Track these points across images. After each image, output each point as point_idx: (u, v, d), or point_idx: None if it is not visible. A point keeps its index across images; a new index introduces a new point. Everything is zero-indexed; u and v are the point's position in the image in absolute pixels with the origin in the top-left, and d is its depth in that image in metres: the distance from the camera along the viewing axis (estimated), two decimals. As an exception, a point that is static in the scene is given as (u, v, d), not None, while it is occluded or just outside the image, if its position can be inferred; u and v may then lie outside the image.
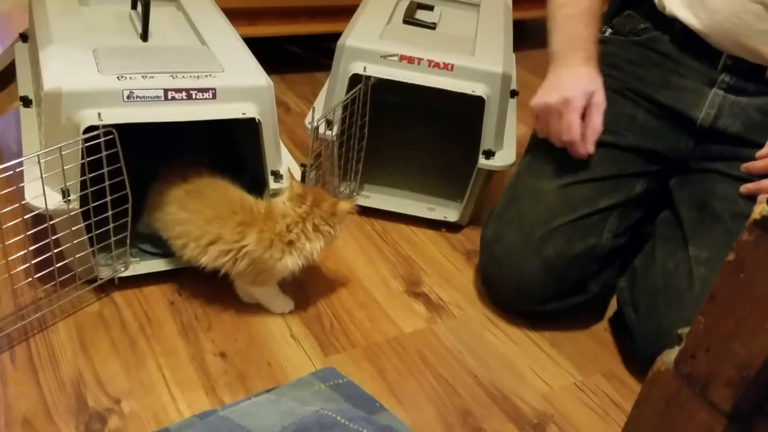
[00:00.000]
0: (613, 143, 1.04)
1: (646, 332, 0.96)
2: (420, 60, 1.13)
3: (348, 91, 1.14)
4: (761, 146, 0.93)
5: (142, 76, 0.92)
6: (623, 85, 1.04)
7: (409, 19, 1.28)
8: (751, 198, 0.94)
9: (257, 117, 0.97)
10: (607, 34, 1.12)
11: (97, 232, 0.94)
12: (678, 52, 0.99)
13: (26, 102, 1.07)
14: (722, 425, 0.48)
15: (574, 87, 0.97)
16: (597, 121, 0.98)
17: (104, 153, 0.87)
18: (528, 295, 1.03)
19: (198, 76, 0.95)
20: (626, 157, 1.04)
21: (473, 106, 1.15)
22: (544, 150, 1.07)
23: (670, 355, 0.51)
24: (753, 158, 0.94)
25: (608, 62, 1.07)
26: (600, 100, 0.98)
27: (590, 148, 0.99)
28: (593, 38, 1.01)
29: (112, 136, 0.87)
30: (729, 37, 0.95)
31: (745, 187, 0.94)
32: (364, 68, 1.14)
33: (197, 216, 0.93)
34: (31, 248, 0.89)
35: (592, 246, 1.01)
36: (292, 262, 0.94)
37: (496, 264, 1.05)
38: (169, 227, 0.96)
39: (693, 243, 0.95)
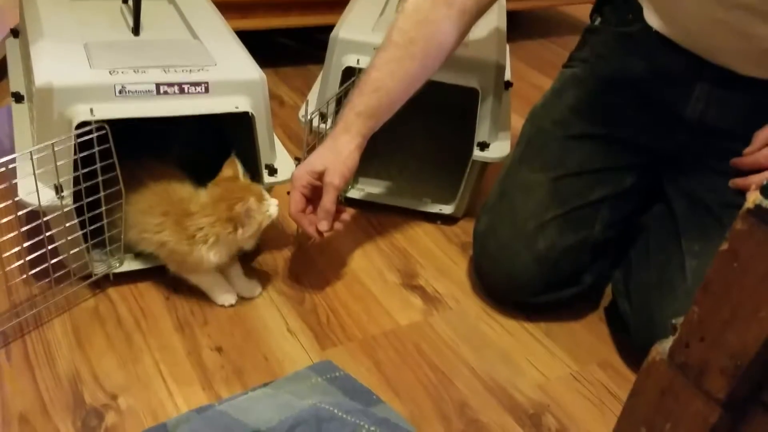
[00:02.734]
0: (603, 135, 1.04)
1: (640, 324, 0.96)
2: (413, 52, 1.13)
3: (342, 84, 1.14)
4: (749, 139, 0.93)
5: (134, 71, 0.92)
6: (612, 75, 1.04)
7: (402, 11, 1.27)
8: (741, 192, 0.94)
9: (250, 111, 0.96)
10: (596, 22, 1.11)
11: (91, 228, 0.94)
12: (664, 47, 0.99)
13: (18, 98, 1.06)
14: (717, 414, 0.48)
15: (304, 166, 0.97)
16: (326, 200, 0.95)
17: (97, 148, 0.87)
18: (520, 287, 1.03)
19: (190, 70, 0.95)
20: (616, 150, 1.03)
21: (467, 97, 1.15)
22: (535, 143, 1.08)
23: (664, 345, 0.51)
24: (741, 152, 0.94)
25: (598, 52, 1.07)
26: (331, 179, 0.95)
27: (321, 225, 0.97)
28: (360, 109, 0.97)
29: (104, 132, 0.86)
30: (704, 51, 0.94)
31: (734, 183, 0.94)
32: (358, 60, 1.13)
33: (133, 207, 0.95)
34: (25, 245, 0.88)
35: (584, 238, 1.01)
36: (203, 255, 0.92)
37: (489, 257, 1.05)
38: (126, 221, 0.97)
39: (685, 235, 0.95)
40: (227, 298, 1.00)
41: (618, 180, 1.04)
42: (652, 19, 0.98)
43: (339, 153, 0.96)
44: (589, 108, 1.05)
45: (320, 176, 0.96)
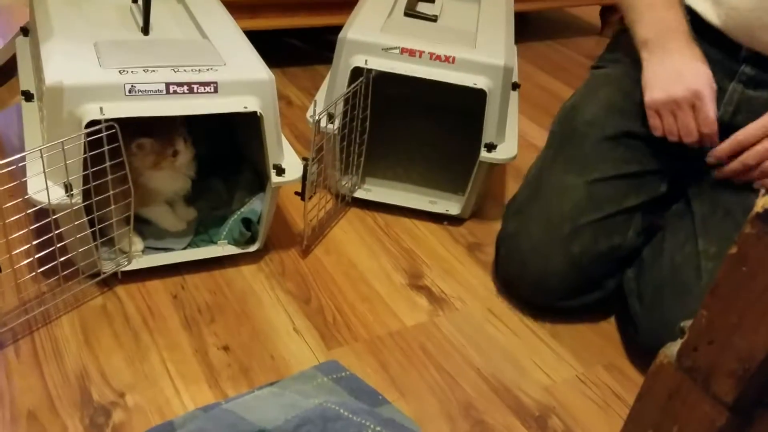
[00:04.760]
0: (638, 134, 1.03)
1: (650, 324, 0.96)
2: (421, 53, 1.13)
3: (349, 85, 1.14)
4: None
5: (144, 70, 0.92)
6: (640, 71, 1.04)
7: (411, 12, 1.28)
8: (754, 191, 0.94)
9: (259, 111, 0.97)
10: None
11: (99, 226, 0.94)
12: (700, 41, 0.99)
13: (28, 96, 1.07)
14: (724, 417, 0.48)
15: (699, 77, 0.94)
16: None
17: (106, 147, 0.87)
18: (550, 290, 1.03)
19: (199, 70, 0.95)
20: (650, 152, 1.03)
21: (475, 98, 1.15)
22: (568, 144, 1.07)
23: (672, 348, 0.51)
24: None
25: (631, 53, 1.06)
26: (716, 87, 0.95)
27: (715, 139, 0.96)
28: (685, 21, 0.98)
29: (114, 131, 0.87)
30: (745, 32, 0.94)
31: (743, 160, 0.95)
32: (366, 61, 1.14)
33: None
34: (34, 243, 0.89)
35: (618, 245, 1.01)
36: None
37: (518, 259, 1.04)
38: None
39: (703, 237, 0.95)
40: (174, 223, 1.08)
41: (653, 187, 1.03)
42: (697, 2, 0.98)
43: (705, 62, 0.96)
44: (623, 107, 1.05)
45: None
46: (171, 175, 1.02)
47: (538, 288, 1.03)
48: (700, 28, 0.99)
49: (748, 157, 0.94)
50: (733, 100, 0.98)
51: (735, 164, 0.95)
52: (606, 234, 1.00)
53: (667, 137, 0.99)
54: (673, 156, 1.03)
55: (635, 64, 1.05)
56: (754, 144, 0.92)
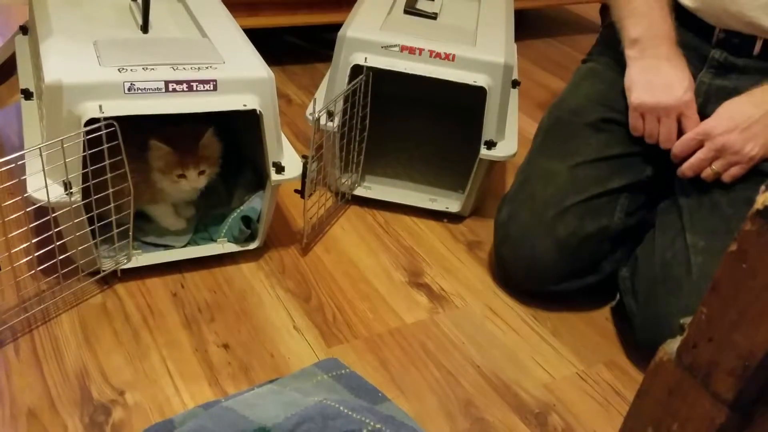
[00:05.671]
0: (619, 120, 1.05)
1: (645, 320, 0.96)
2: (421, 50, 1.13)
3: (349, 83, 1.14)
4: None
5: (143, 68, 0.92)
6: (624, 66, 1.05)
7: (410, 10, 1.28)
8: (750, 188, 0.94)
9: (258, 109, 0.97)
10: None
11: (99, 224, 0.94)
12: (677, 25, 1.01)
13: (27, 95, 1.07)
14: (724, 414, 0.48)
15: (685, 85, 0.97)
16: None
17: (105, 145, 0.87)
18: (541, 275, 1.04)
19: (199, 68, 0.95)
20: (633, 138, 1.04)
21: (475, 96, 1.15)
22: (553, 133, 1.09)
23: (672, 345, 0.51)
24: None
25: (612, 45, 1.08)
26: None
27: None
28: (672, 24, 1.00)
29: (113, 129, 0.87)
30: (718, 9, 0.96)
31: (682, 171, 0.98)
32: (365, 59, 1.14)
33: None
34: (33, 241, 0.89)
35: (605, 226, 1.02)
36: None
37: (510, 245, 1.06)
38: None
39: (691, 231, 0.96)
40: (173, 223, 1.08)
41: (638, 170, 1.05)
42: None
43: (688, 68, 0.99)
44: (605, 96, 1.07)
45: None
46: (177, 185, 1.01)
47: (530, 272, 1.05)
48: (678, 11, 1.00)
49: (684, 170, 0.98)
50: (701, 92, 1.00)
51: (680, 171, 0.99)
52: (591, 215, 1.02)
53: (645, 139, 1.01)
54: (652, 144, 1.05)
55: (617, 55, 1.06)
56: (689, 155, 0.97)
